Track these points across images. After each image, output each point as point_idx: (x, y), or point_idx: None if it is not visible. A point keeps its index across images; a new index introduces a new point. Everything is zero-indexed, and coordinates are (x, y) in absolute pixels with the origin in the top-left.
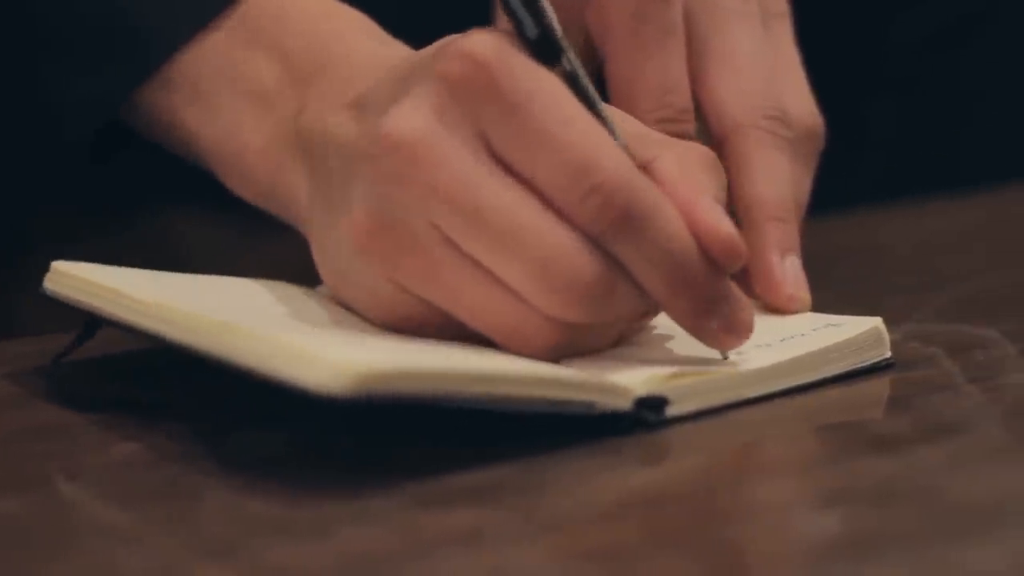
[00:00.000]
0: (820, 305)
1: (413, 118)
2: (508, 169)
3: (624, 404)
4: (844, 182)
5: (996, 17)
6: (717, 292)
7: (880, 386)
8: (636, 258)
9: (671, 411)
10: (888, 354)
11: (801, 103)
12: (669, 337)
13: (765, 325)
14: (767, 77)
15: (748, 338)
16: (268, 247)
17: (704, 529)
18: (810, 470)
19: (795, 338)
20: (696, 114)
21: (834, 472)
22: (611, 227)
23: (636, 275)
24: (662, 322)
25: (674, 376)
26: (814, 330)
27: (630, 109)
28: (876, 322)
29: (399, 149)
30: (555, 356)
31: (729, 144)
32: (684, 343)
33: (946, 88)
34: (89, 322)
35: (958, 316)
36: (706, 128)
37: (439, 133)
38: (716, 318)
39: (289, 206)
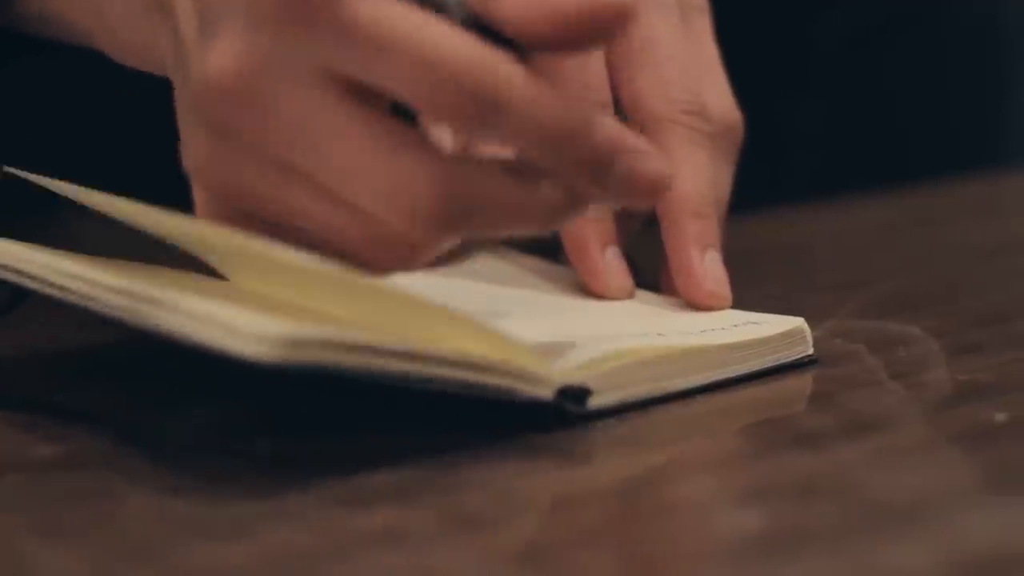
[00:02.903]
0: (744, 302)
1: (232, 58)
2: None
3: (545, 393)
4: (769, 181)
5: (918, 18)
6: (607, 141)
7: (803, 382)
8: (512, 137)
9: (593, 402)
10: (811, 351)
11: (720, 98)
12: (595, 315)
13: (686, 320)
14: (686, 71)
15: (661, 186)
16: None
17: (625, 527)
18: (732, 466)
19: (716, 331)
20: (615, 108)
21: (756, 468)
22: (471, 117)
23: (524, 154)
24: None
25: (594, 362)
26: (735, 326)
27: None
28: (797, 322)
29: (224, 97)
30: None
31: (647, 138)
32: (610, 321)
33: (870, 87)
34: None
35: (881, 313)
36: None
37: (264, 73)
38: (616, 170)
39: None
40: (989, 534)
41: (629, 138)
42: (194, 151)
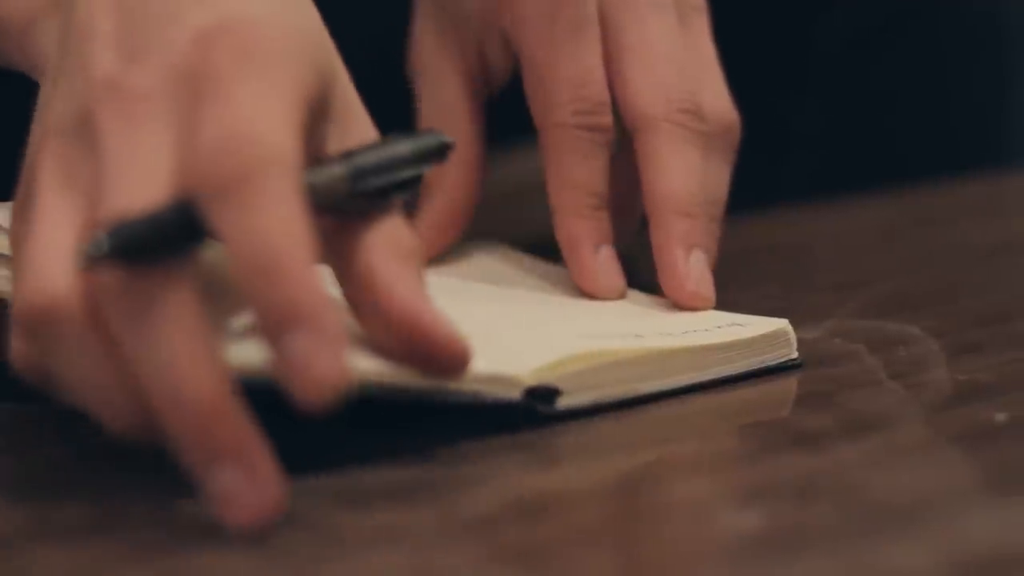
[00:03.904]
0: (743, 302)
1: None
2: None
3: (513, 394)
4: (769, 181)
5: (919, 17)
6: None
7: (802, 382)
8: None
9: (564, 403)
10: (795, 354)
11: (717, 98)
12: (579, 314)
13: (670, 321)
14: (681, 71)
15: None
16: None
17: (625, 527)
18: (731, 466)
19: (697, 332)
20: (612, 107)
21: (756, 468)
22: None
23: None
24: (560, 300)
25: (563, 362)
26: (718, 328)
27: (546, 102)
28: (782, 324)
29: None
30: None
31: (640, 137)
32: (592, 321)
33: (870, 87)
34: None
35: (881, 313)
36: (620, 121)
37: None
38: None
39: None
40: (989, 534)
41: (329, 328)
42: None
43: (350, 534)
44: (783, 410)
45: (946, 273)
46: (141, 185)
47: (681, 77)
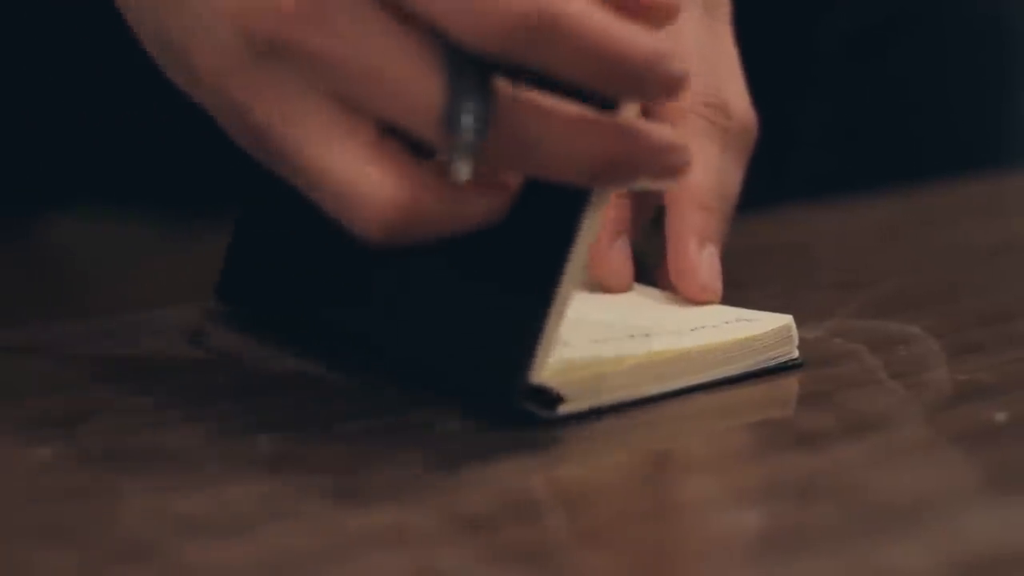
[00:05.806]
0: (745, 301)
1: None
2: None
3: (523, 383)
4: (772, 181)
5: (921, 18)
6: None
7: (802, 382)
8: (563, 60)
9: (565, 408)
10: (795, 354)
11: (740, 98)
12: (588, 310)
13: (677, 314)
14: (708, 65)
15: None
16: (178, 247)
17: (625, 527)
18: (732, 466)
19: (706, 328)
20: None
21: (757, 469)
22: (521, 40)
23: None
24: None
25: (569, 369)
26: (725, 323)
27: None
28: (787, 320)
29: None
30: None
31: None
32: (602, 317)
33: (873, 88)
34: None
35: (882, 313)
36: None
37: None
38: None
39: None
40: (989, 534)
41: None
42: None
43: (351, 532)
44: (784, 410)
45: (947, 273)
46: (410, 63)
47: (708, 71)
